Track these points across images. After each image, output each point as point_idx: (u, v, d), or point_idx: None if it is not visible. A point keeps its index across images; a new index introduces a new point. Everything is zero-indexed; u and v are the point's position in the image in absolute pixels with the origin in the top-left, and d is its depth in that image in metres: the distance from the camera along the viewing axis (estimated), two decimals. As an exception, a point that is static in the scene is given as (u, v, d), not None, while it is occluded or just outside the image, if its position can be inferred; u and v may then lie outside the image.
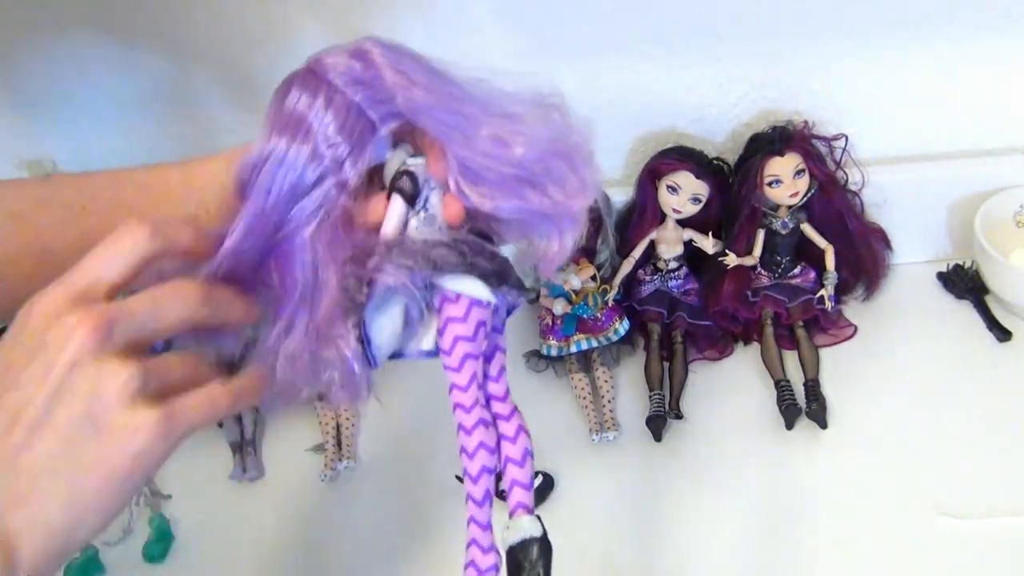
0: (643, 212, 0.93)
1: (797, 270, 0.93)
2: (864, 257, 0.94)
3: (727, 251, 0.91)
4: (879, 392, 0.88)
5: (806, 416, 0.86)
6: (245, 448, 0.91)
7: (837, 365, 0.90)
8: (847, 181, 0.93)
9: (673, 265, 0.94)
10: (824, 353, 0.91)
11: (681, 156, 0.90)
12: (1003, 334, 0.90)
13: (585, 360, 0.92)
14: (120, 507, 0.45)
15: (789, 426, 0.85)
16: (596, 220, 0.94)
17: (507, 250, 0.53)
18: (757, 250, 0.92)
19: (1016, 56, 0.89)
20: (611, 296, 0.93)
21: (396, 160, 0.51)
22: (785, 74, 0.91)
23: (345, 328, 0.47)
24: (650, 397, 0.89)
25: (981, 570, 0.74)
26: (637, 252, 0.94)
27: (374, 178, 0.51)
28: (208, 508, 0.88)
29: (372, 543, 0.83)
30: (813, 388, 0.87)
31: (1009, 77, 0.91)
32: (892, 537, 0.77)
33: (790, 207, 0.91)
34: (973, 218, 0.91)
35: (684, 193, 0.90)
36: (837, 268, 0.92)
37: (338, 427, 0.91)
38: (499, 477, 0.53)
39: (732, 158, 0.94)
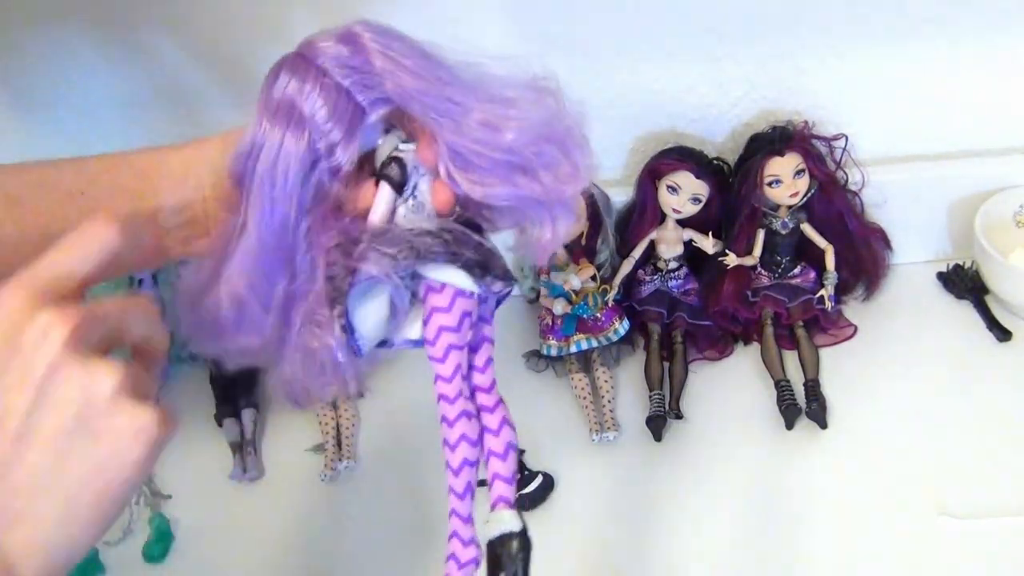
0: (643, 212, 0.93)
1: (797, 270, 0.93)
2: (864, 257, 0.94)
3: (727, 251, 0.91)
4: (879, 392, 0.87)
5: (806, 416, 0.86)
6: (245, 448, 0.91)
7: (837, 365, 0.90)
8: (847, 181, 0.93)
9: (673, 265, 0.94)
10: (824, 353, 0.91)
11: (681, 156, 0.90)
12: (1003, 334, 0.90)
13: (585, 360, 0.92)
14: (120, 513, 0.43)
15: (789, 426, 0.85)
16: (596, 220, 0.94)
17: (500, 238, 0.52)
18: (757, 250, 0.92)
19: (1016, 56, 0.89)
20: (611, 296, 0.93)
21: (388, 146, 0.50)
22: (785, 74, 0.91)
23: (330, 316, 0.47)
24: (650, 397, 0.89)
25: (981, 570, 0.74)
26: (637, 252, 0.94)
27: (365, 165, 0.50)
28: (208, 508, 0.88)
29: (372, 543, 0.83)
30: (813, 388, 0.87)
31: (1009, 77, 0.91)
32: (892, 537, 0.77)
33: (790, 207, 0.91)
34: (973, 218, 0.91)
35: (684, 193, 0.90)
36: (837, 268, 0.92)
37: (338, 427, 0.91)
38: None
39: (732, 158, 0.94)
